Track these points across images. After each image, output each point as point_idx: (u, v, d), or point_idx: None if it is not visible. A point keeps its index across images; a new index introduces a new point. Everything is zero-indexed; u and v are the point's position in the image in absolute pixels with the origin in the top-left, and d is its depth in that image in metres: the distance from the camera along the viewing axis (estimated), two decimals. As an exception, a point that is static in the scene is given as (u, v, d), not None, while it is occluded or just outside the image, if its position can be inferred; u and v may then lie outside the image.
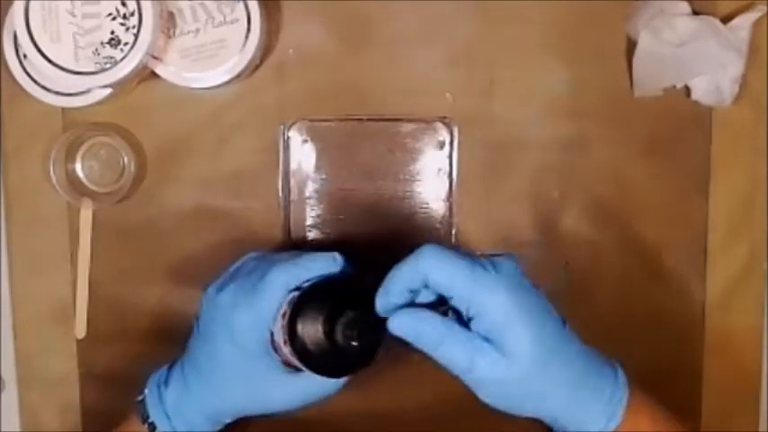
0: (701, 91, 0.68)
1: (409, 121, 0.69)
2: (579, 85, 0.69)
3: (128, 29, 0.61)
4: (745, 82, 0.68)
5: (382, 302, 0.55)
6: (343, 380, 0.59)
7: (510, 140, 0.70)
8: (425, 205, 0.70)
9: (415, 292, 0.56)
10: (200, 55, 0.65)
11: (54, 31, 0.62)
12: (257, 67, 0.69)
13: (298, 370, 0.58)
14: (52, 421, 0.71)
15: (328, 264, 0.58)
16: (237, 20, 0.65)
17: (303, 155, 0.70)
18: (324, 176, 0.70)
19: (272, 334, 0.58)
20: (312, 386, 0.59)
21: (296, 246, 0.70)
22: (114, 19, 0.61)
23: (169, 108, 0.69)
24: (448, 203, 0.70)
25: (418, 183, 0.70)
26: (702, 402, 0.72)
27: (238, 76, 0.66)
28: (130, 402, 0.63)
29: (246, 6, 0.64)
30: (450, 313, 0.56)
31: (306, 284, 0.57)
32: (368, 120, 0.69)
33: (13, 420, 0.71)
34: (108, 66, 0.62)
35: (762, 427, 0.72)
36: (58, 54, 0.62)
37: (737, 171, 0.70)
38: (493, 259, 0.56)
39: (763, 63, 0.69)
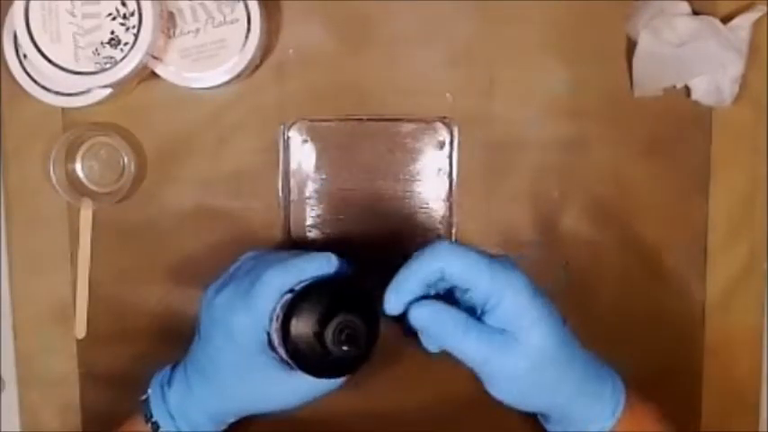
0: (701, 91, 0.68)
1: (409, 121, 0.69)
2: (579, 85, 0.69)
3: (128, 29, 0.61)
4: (745, 82, 0.68)
5: (394, 298, 0.56)
6: (340, 379, 0.59)
7: (510, 140, 0.70)
8: (425, 205, 0.70)
9: (430, 286, 0.56)
10: (200, 55, 0.65)
11: (54, 31, 0.62)
12: (257, 67, 0.69)
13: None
14: (52, 421, 0.71)
15: (322, 265, 0.58)
16: (237, 20, 0.65)
17: (303, 155, 0.70)
18: (324, 176, 0.70)
19: (269, 334, 0.58)
20: (311, 385, 0.59)
21: (296, 245, 0.70)
22: (114, 19, 0.61)
23: (169, 108, 0.69)
24: (448, 203, 0.70)
25: (418, 183, 0.70)
26: (702, 402, 0.72)
27: (238, 76, 0.66)
28: (131, 402, 0.63)
29: (246, 6, 0.64)
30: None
31: (300, 286, 0.57)
32: (368, 120, 0.69)
33: (13, 420, 0.71)
34: (108, 66, 0.62)
35: (762, 427, 0.72)
36: (58, 54, 0.62)
37: (737, 171, 0.70)
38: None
39: (763, 63, 0.69)
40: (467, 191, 0.70)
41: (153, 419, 0.61)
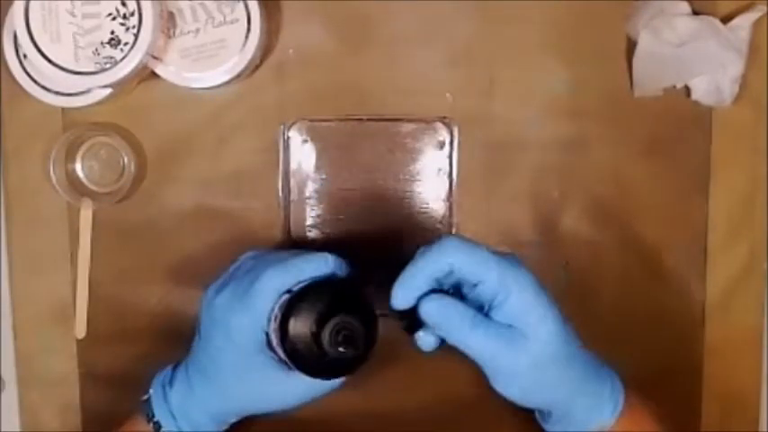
0: (701, 91, 0.68)
1: (409, 121, 0.69)
2: (579, 85, 0.69)
3: (128, 29, 0.61)
4: (745, 82, 0.68)
5: (402, 292, 0.56)
6: (339, 379, 0.59)
7: (510, 140, 0.70)
8: (425, 205, 0.70)
9: (439, 281, 0.56)
10: (200, 55, 0.65)
11: (54, 31, 0.62)
12: (257, 67, 0.69)
13: None
14: (52, 421, 0.71)
15: (320, 265, 0.58)
16: (237, 20, 0.65)
17: (303, 155, 0.70)
18: (324, 176, 0.70)
19: (268, 334, 0.58)
20: (310, 385, 0.59)
21: (296, 245, 0.70)
22: (114, 19, 0.61)
23: (169, 108, 0.69)
24: (448, 203, 0.70)
25: (418, 183, 0.70)
26: (702, 402, 0.72)
27: (238, 76, 0.66)
28: (131, 402, 0.63)
29: (246, 6, 0.64)
30: None
31: (298, 287, 0.57)
32: (368, 120, 0.69)
33: (13, 420, 0.71)
34: (108, 66, 0.62)
35: (762, 427, 0.72)
36: (58, 54, 0.62)
37: (737, 171, 0.70)
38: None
39: (763, 63, 0.69)
40: (467, 191, 0.70)
41: (155, 419, 0.61)
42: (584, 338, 0.59)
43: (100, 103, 0.67)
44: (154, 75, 0.66)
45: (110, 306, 0.71)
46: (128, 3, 0.61)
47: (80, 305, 0.70)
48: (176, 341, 0.66)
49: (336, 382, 0.59)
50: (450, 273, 0.56)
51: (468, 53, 0.69)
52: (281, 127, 0.69)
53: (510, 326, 0.56)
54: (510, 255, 0.57)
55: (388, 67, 0.69)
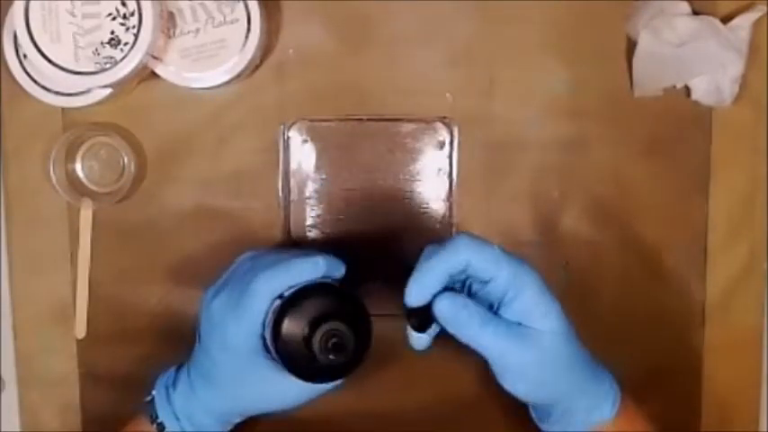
0: (701, 91, 0.68)
1: (409, 121, 0.69)
2: (579, 85, 0.69)
3: (128, 29, 0.61)
4: (745, 82, 0.68)
5: (417, 290, 0.56)
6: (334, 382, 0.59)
7: (510, 140, 0.70)
8: (425, 205, 0.70)
9: (453, 278, 0.56)
10: (200, 55, 0.65)
11: (54, 31, 0.62)
12: (257, 67, 0.69)
13: None
14: (52, 421, 0.71)
15: (309, 269, 0.58)
16: (237, 20, 0.65)
17: (303, 155, 0.70)
18: (324, 176, 0.70)
19: (264, 338, 0.58)
20: (307, 385, 0.59)
21: (296, 245, 0.70)
22: (114, 19, 0.61)
23: (169, 108, 0.69)
24: (448, 203, 0.70)
25: (418, 183, 0.70)
26: (702, 402, 0.72)
27: (238, 76, 0.66)
28: (131, 402, 0.63)
29: (246, 6, 0.64)
30: None
31: (289, 292, 0.57)
32: (368, 120, 0.69)
33: (13, 420, 0.71)
34: (108, 66, 0.62)
35: (762, 427, 0.72)
36: (58, 54, 0.62)
37: (737, 171, 0.70)
38: None
39: (763, 63, 0.69)
40: (467, 191, 0.70)
41: (158, 420, 0.61)
42: (584, 338, 0.59)
43: (100, 103, 0.67)
44: (154, 75, 0.66)
45: (110, 306, 0.71)
46: (128, 3, 0.61)
47: (80, 305, 0.70)
48: (176, 341, 0.66)
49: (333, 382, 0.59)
50: (462, 271, 0.56)
51: (468, 53, 0.69)
52: (281, 127, 0.69)
53: (519, 323, 0.56)
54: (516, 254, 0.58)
55: (388, 67, 0.69)
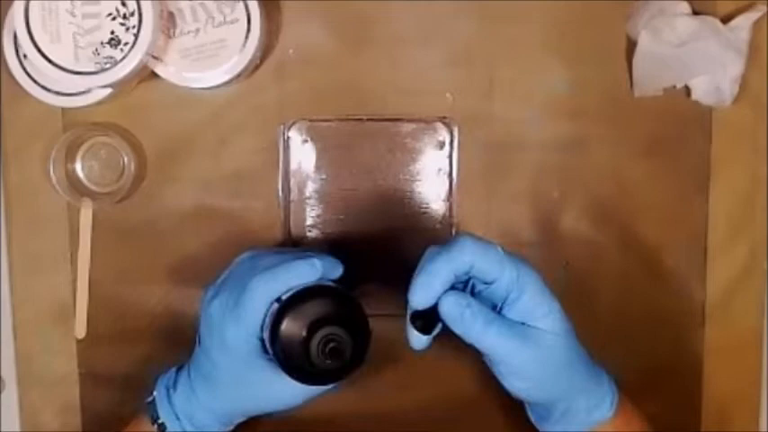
0: (701, 91, 0.68)
1: (409, 121, 0.69)
2: (579, 85, 0.69)
3: (128, 29, 0.61)
4: (745, 82, 0.68)
5: (424, 291, 0.56)
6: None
7: (510, 140, 0.70)
8: (425, 205, 0.70)
9: (456, 279, 0.56)
10: (200, 55, 0.65)
11: (54, 31, 0.62)
12: (257, 67, 0.69)
13: None
14: (52, 421, 0.71)
15: (305, 272, 0.58)
16: (237, 20, 0.65)
17: (303, 155, 0.70)
18: (324, 176, 0.70)
19: (263, 340, 0.58)
20: (306, 386, 0.59)
21: (296, 245, 0.70)
22: (114, 19, 0.61)
23: (169, 108, 0.69)
24: (448, 203, 0.70)
25: (418, 183, 0.70)
26: (702, 402, 0.72)
27: (238, 76, 0.66)
28: (131, 402, 0.63)
29: (246, 6, 0.64)
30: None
31: (286, 296, 0.57)
32: (368, 120, 0.69)
33: (13, 420, 0.71)
34: (108, 66, 0.62)
35: (762, 427, 0.72)
36: (58, 54, 0.62)
37: (737, 171, 0.70)
38: None
39: (763, 63, 0.69)
40: (467, 191, 0.70)
41: (159, 421, 0.61)
42: (584, 338, 0.59)
43: (100, 103, 0.67)
44: (154, 75, 0.66)
45: (110, 306, 0.71)
46: (128, 3, 0.61)
47: (80, 305, 0.70)
48: (176, 341, 0.66)
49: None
50: (466, 272, 0.56)
51: (468, 53, 0.69)
52: (281, 127, 0.69)
53: (523, 323, 0.56)
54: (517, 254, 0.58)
55: (388, 67, 0.69)
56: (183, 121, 0.70)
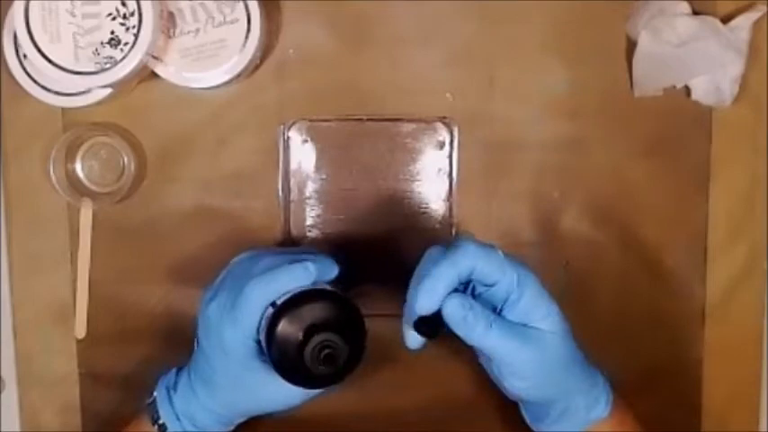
0: (701, 91, 0.68)
1: (409, 121, 0.69)
2: (579, 85, 0.69)
3: (128, 29, 0.61)
4: (745, 82, 0.68)
5: (428, 297, 0.56)
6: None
7: (510, 140, 0.70)
8: (425, 205, 0.70)
9: (460, 282, 0.57)
10: (200, 55, 0.65)
11: (54, 31, 0.62)
12: (257, 67, 0.69)
13: None
14: (52, 421, 0.71)
15: (300, 275, 0.58)
16: (237, 20, 0.64)
17: (303, 155, 0.70)
18: (324, 176, 0.70)
19: (260, 342, 0.58)
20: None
21: (296, 245, 0.70)
22: (114, 19, 0.61)
23: (169, 108, 0.69)
24: (448, 203, 0.70)
25: (418, 183, 0.70)
26: (702, 402, 0.72)
27: (238, 76, 0.66)
28: (131, 402, 0.63)
29: (246, 6, 0.64)
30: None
31: (281, 300, 0.57)
32: (368, 120, 0.69)
33: (13, 420, 0.71)
34: (108, 66, 0.62)
35: (762, 427, 0.72)
36: (58, 54, 0.62)
37: (737, 171, 0.70)
38: None
39: (763, 63, 0.69)
40: (467, 191, 0.70)
41: (160, 421, 0.61)
42: (584, 338, 0.59)
43: (100, 103, 0.67)
44: (154, 75, 0.66)
45: (110, 306, 0.71)
46: (128, 3, 0.61)
47: (80, 305, 0.70)
48: (176, 341, 0.66)
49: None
50: (467, 276, 0.57)
51: (467, 53, 0.69)
52: (281, 127, 0.69)
53: (523, 324, 0.57)
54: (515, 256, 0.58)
55: (388, 67, 0.69)
56: (182, 121, 0.70)
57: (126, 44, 0.61)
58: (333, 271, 0.61)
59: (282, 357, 0.55)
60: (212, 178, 0.70)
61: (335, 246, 0.70)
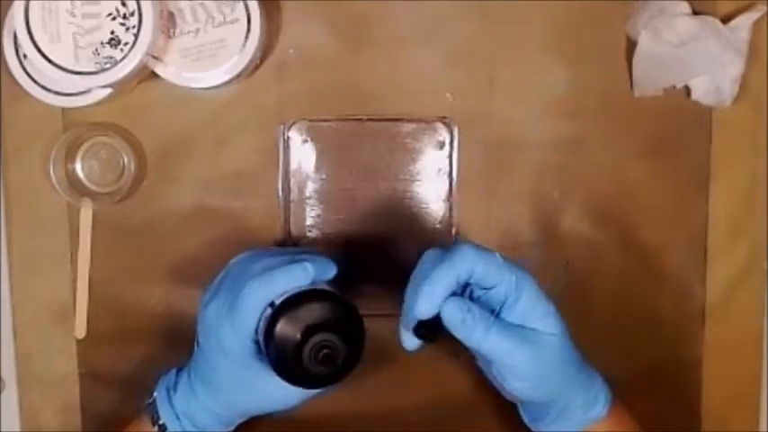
0: (701, 91, 0.68)
1: (409, 121, 0.69)
2: (579, 85, 0.69)
3: (128, 29, 0.61)
4: (745, 82, 0.68)
5: (425, 304, 0.56)
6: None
7: (510, 140, 0.70)
8: (425, 205, 0.70)
9: (458, 285, 0.57)
10: (200, 55, 0.65)
11: (54, 31, 0.62)
12: (257, 67, 0.69)
13: None
14: (52, 421, 0.71)
15: (298, 276, 0.58)
16: (237, 20, 0.64)
17: (303, 155, 0.70)
18: (324, 176, 0.70)
19: (258, 342, 0.58)
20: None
21: (296, 245, 0.70)
22: (114, 19, 0.61)
23: (169, 108, 0.69)
24: (448, 203, 0.70)
25: (418, 183, 0.70)
26: (702, 402, 0.72)
27: (238, 76, 0.66)
28: (131, 402, 0.63)
29: (246, 6, 0.64)
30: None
31: (279, 300, 0.57)
32: (368, 120, 0.69)
33: (13, 420, 0.71)
34: (108, 66, 0.62)
35: (762, 427, 0.72)
36: (58, 54, 0.62)
37: (737, 171, 0.70)
38: None
39: (763, 63, 0.69)
40: (467, 191, 0.70)
41: (160, 422, 0.61)
42: (583, 338, 0.59)
43: (100, 103, 0.67)
44: (154, 75, 0.66)
45: (110, 306, 0.71)
46: (128, 3, 0.61)
47: (80, 305, 0.70)
48: (176, 341, 0.66)
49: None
50: (466, 279, 0.57)
51: (467, 53, 0.69)
52: (281, 127, 0.69)
53: (521, 326, 0.57)
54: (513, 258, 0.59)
55: (388, 67, 0.69)
56: (182, 121, 0.70)
57: (126, 44, 0.61)
58: (331, 271, 0.61)
59: (281, 357, 0.55)
60: (212, 178, 0.70)
61: (335, 246, 0.70)
